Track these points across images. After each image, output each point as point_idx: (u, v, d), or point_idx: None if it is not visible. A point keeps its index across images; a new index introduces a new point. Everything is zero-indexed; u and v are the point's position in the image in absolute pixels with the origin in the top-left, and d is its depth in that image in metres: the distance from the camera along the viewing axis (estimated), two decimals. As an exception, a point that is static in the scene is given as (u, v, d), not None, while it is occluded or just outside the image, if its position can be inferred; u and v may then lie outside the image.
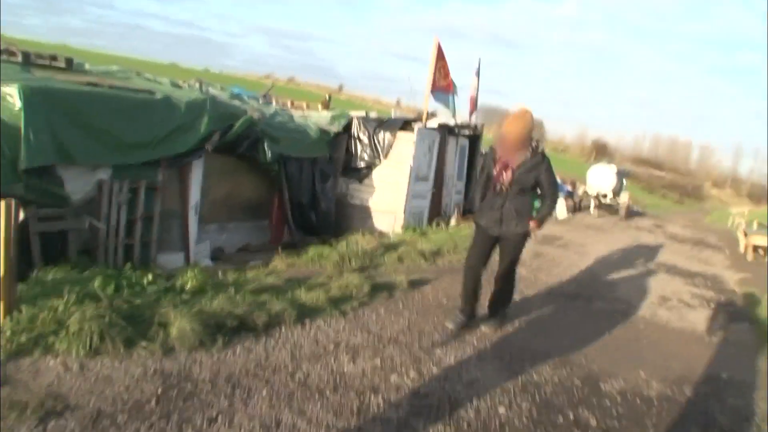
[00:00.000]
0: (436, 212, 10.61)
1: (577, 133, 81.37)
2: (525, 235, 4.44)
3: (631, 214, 16.73)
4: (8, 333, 3.23)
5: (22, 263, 5.69)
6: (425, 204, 10.14)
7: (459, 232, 8.97)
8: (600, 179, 15.96)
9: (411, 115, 10.82)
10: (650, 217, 19.02)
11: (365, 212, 9.59)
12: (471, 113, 13.20)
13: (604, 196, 16.00)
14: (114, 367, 3.07)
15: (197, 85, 11.83)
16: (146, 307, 3.76)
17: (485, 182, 4.52)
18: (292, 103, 13.81)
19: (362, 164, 9.64)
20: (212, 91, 11.25)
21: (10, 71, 6.74)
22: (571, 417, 3.23)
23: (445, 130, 10.76)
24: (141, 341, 3.36)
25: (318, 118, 10.20)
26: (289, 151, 8.53)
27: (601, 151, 54.48)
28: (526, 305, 5.34)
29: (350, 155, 9.75)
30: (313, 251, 6.17)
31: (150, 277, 4.61)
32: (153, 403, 2.77)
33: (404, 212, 9.35)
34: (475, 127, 12.53)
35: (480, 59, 13.78)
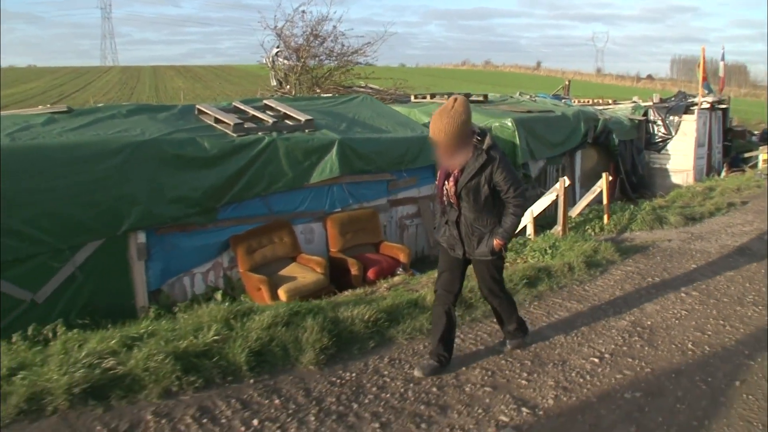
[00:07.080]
0: (709, 168, 15.36)
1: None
2: (495, 255, 3.73)
3: None
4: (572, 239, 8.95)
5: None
6: (703, 163, 15.00)
7: (735, 179, 13.68)
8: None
9: (689, 101, 15.61)
10: None
11: (664, 173, 14.71)
12: (721, 91, 17.59)
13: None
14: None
15: (525, 96, 17.53)
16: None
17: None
18: (595, 101, 18.95)
19: (659, 140, 14.73)
20: (535, 98, 16.92)
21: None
22: None
23: (710, 108, 15.44)
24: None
25: (623, 110, 15.44)
26: (620, 137, 13.91)
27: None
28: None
29: (649, 134, 14.88)
30: (673, 193, 11.43)
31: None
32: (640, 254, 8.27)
33: (693, 170, 14.33)
34: (723, 101, 16.92)
35: (724, 46, 17.92)
